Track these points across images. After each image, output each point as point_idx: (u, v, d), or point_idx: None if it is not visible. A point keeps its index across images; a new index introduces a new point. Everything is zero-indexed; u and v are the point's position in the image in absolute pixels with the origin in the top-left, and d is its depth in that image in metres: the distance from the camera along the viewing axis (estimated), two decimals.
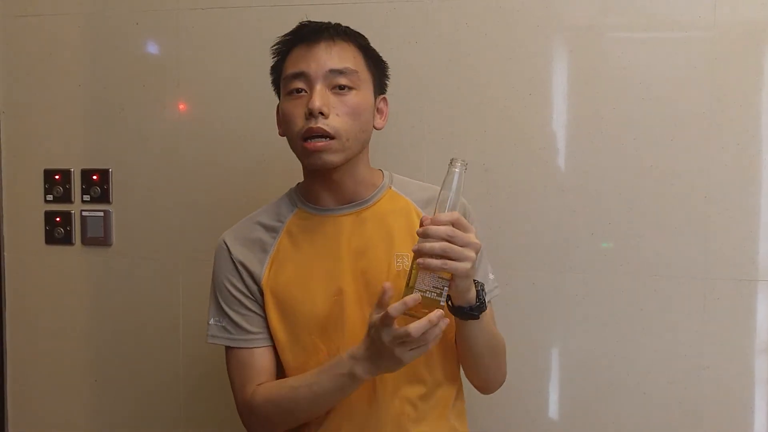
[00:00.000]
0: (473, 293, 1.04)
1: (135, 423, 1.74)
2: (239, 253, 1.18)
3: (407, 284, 1.01)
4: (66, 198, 1.73)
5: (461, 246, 0.98)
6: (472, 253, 0.99)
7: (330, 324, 1.13)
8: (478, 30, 1.53)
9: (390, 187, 1.21)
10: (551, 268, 1.53)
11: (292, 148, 1.15)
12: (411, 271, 1.01)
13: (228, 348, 1.18)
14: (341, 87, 1.10)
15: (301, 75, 1.10)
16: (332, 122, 1.08)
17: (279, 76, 1.17)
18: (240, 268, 1.17)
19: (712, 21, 1.44)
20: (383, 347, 0.99)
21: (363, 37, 1.18)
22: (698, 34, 1.45)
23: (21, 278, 1.77)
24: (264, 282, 1.16)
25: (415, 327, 0.96)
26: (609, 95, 1.49)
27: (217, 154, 1.65)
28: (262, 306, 1.17)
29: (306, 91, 1.10)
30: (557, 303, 1.54)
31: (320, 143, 1.09)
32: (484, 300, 1.07)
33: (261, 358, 1.16)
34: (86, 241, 1.73)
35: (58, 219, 1.73)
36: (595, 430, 1.54)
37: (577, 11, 1.50)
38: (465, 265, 0.98)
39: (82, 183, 1.72)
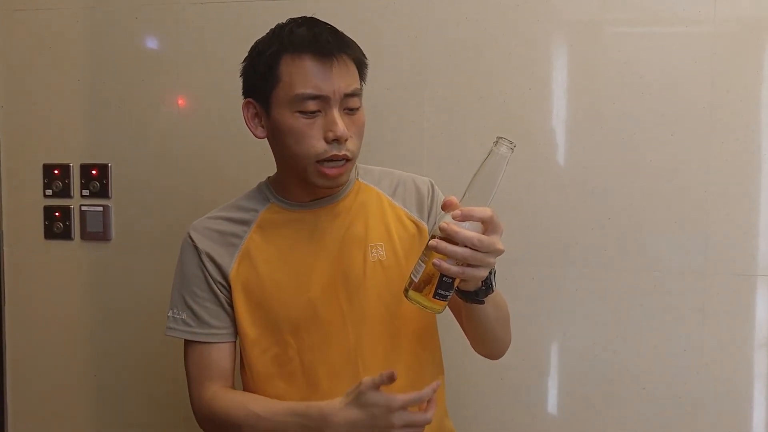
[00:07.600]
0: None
1: (134, 417, 1.74)
2: (206, 245, 1.15)
3: (414, 278, 0.95)
4: (65, 193, 1.72)
5: (485, 252, 0.90)
6: (493, 260, 0.92)
7: (303, 320, 1.12)
8: (477, 24, 1.53)
9: (357, 179, 1.20)
10: (550, 263, 1.53)
11: (292, 164, 1.11)
12: (420, 263, 0.94)
13: (187, 341, 1.15)
14: (351, 108, 1.08)
15: (319, 98, 1.05)
16: (350, 146, 1.08)
17: (271, 78, 1.08)
18: (206, 260, 1.14)
19: (713, 16, 1.44)
20: (383, 425, 0.97)
21: (357, 47, 1.12)
22: (698, 29, 1.45)
23: (20, 273, 1.77)
24: (232, 276, 1.14)
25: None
26: (609, 90, 1.49)
27: (216, 148, 1.65)
28: (230, 300, 1.14)
29: (320, 112, 1.06)
30: (556, 298, 1.54)
31: (342, 168, 1.08)
32: (492, 283, 1.01)
33: (222, 355, 1.13)
34: (85, 236, 1.72)
35: (57, 214, 1.73)
36: (594, 425, 1.54)
37: (577, 6, 1.50)
38: (482, 273, 0.92)
39: (82, 178, 1.72)
